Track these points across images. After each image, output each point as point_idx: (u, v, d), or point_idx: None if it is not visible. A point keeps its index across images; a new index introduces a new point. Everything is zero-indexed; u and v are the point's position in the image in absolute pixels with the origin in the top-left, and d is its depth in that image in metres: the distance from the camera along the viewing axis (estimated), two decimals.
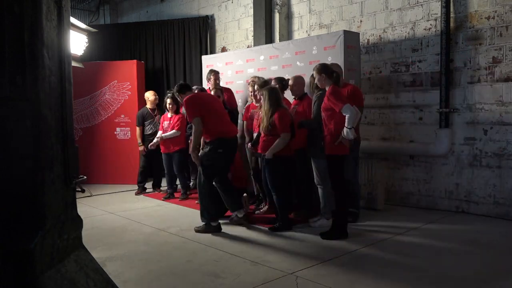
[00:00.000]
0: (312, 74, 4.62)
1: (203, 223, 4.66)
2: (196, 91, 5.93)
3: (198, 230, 4.63)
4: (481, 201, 5.18)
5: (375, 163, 6.06)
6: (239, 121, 6.14)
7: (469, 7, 5.20)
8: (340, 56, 5.25)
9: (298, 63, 5.74)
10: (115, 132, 8.04)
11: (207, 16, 8.56)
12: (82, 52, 6.70)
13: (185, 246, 4.15)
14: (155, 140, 6.58)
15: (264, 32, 7.27)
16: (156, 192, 7.02)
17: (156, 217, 5.36)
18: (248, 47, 7.68)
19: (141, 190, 6.94)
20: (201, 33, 8.53)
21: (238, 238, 4.38)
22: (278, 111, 4.59)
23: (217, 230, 4.62)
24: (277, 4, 7.16)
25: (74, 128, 2.29)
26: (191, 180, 7.08)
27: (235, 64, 6.63)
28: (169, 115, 6.63)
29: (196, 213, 5.50)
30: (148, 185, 7.15)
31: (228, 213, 4.95)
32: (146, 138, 6.97)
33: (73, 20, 5.67)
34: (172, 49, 8.84)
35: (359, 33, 5.70)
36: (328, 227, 4.44)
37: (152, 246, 4.16)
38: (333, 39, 5.36)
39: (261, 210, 5.39)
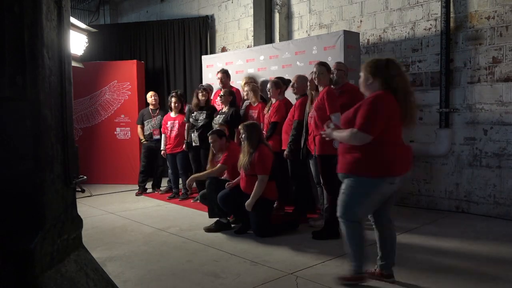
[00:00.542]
0: (312, 72, 4.62)
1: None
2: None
3: (209, 229, 4.61)
4: (481, 201, 5.18)
5: None
6: None
7: (469, 7, 5.20)
8: (340, 56, 5.25)
9: (298, 63, 5.74)
10: (115, 132, 8.04)
11: (207, 16, 8.56)
12: (82, 52, 6.69)
13: (185, 246, 4.15)
14: (162, 153, 6.69)
15: (264, 32, 7.27)
16: (156, 192, 7.01)
17: (156, 217, 5.36)
18: (248, 47, 7.68)
19: (142, 191, 6.94)
20: (201, 33, 8.53)
21: (238, 238, 4.38)
22: (259, 150, 4.41)
23: (227, 228, 4.61)
24: (277, 4, 7.16)
25: (74, 128, 2.28)
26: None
27: (235, 64, 6.63)
28: (172, 114, 6.62)
29: (196, 213, 5.51)
30: (148, 185, 7.15)
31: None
32: (145, 138, 6.97)
33: (73, 20, 5.66)
34: (172, 49, 8.84)
35: (359, 33, 5.70)
36: None
37: (152, 246, 4.16)
38: (333, 39, 5.36)
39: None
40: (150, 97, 7.10)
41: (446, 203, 5.47)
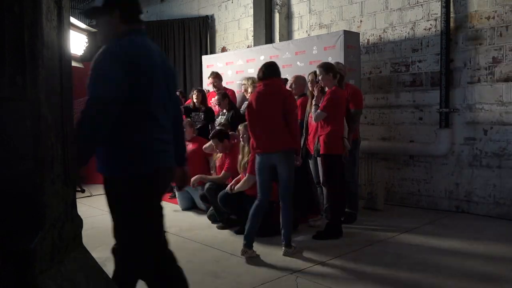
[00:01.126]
0: (313, 72, 4.61)
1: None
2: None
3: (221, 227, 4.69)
4: (481, 201, 5.18)
5: (375, 163, 6.07)
6: None
7: (469, 7, 5.20)
8: (340, 56, 5.26)
9: (298, 63, 5.74)
10: None
11: (207, 16, 8.56)
12: (82, 52, 6.70)
13: (185, 246, 4.15)
14: None
15: (264, 32, 7.27)
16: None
17: None
18: (248, 47, 7.68)
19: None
20: (201, 33, 8.53)
21: (238, 238, 4.38)
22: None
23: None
24: (277, 4, 7.17)
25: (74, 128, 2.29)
26: None
27: (236, 64, 6.64)
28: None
29: (196, 213, 5.50)
30: None
31: None
32: None
33: (73, 20, 5.67)
34: (172, 49, 8.84)
35: (359, 33, 5.71)
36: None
37: None
38: (333, 39, 5.37)
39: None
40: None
41: (446, 203, 5.47)
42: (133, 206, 2.05)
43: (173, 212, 5.67)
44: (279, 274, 3.35)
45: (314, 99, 4.46)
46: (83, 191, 6.97)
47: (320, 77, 4.33)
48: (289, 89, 5.09)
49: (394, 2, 5.88)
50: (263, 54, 6.30)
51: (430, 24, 5.55)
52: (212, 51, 8.47)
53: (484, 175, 5.16)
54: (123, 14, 2.11)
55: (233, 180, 4.70)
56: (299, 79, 5.09)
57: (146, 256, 2.14)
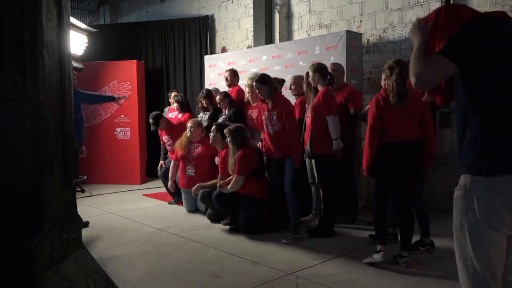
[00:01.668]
0: (307, 72, 4.64)
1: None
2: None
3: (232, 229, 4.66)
4: None
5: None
6: None
7: None
8: (342, 56, 5.26)
9: (300, 63, 5.74)
10: (115, 132, 8.04)
11: (207, 16, 8.56)
12: (82, 52, 6.69)
13: (185, 246, 4.15)
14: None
15: (264, 32, 7.27)
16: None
17: (156, 217, 5.36)
18: (248, 47, 7.68)
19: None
20: (201, 33, 8.53)
21: (238, 238, 4.38)
22: (242, 150, 4.52)
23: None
24: (277, 4, 7.16)
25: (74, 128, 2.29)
26: None
27: (238, 64, 6.63)
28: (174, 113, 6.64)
29: (196, 213, 5.50)
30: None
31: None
32: None
33: (73, 20, 5.64)
34: (172, 49, 8.84)
35: (361, 34, 5.71)
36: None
37: (152, 246, 4.16)
38: (335, 39, 5.37)
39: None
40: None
41: (446, 203, 5.47)
42: None
43: (173, 212, 5.68)
44: (279, 274, 3.35)
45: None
46: (83, 191, 6.97)
47: (310, 77, 4.37)
48: (289, 89, 5.11)
49: (394, 2, 5.88)
50: (265, 54, 6.30)
51: None
52: (212, 51, 8.47)
53: None
54: None
55: (225, 181, 4.75)
56: (298, 79, 5.09)
57: None
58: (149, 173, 8.00)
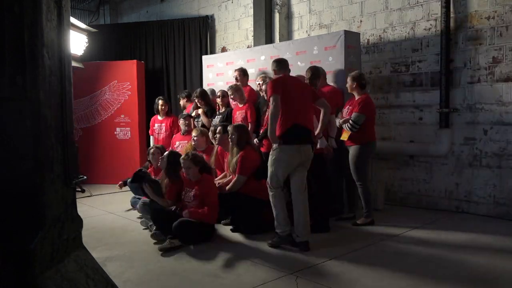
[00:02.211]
0: (308, 69, 4.83)
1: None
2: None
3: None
4: (481, 201, 5.18)
5: (375, 163, 6.07)
6: None
7: (469, 7, 5.20)
8: (341, 56, 5.25)
9: (299, 63, 5.74)
10: (115, 132, 8.04)
11: (207, 16, 8.56)
12: (82, 52, 6.69)
13: (185, 245, 4.15)
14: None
15: (264, 32, 7.27)
16: None
17: None
18: (248, 47, 7.68)
19: None
20: (201, 33, 8.53)
21: (238, 238, 4.38)
22: (244, 150, 4.52)
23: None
24: (277, 4, 7.16)
25: (74, 128, 2.29)
26: None
27: (236, 64, 6.62)
28: (159, 117, 6.69)
29: None
30: None
31: None
32: None
33: (73, 20, 5.65)
34: (172, 49, 8.84)
35: (359, 33, 5.70)
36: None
37: (152, 246, 4.16)
38: (333, 39, 5.36)
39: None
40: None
41: (446, 203, 5.47)
42: None
43: None
44: (279, 274, 3.35)
45: None
46: (83, 191, 6.99)
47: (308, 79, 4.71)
48: None
49: (394, 2, 5.88)
50: (264, 54, 6.30)
51: (430, 24, 5.55)
52: (212, 51, 8.47)
53: (484, 175, 5.16)
54: None
55: (224, 181, 4.74)
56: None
57: None
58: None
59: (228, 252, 3.92)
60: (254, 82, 5.99)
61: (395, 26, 5.87)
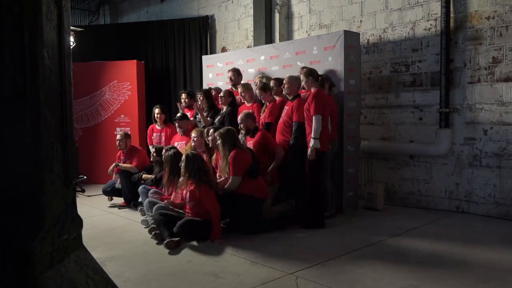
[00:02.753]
0: (304, 69, 4.91)
1: None
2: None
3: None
4: (481, 201, 5.18)
5: (375, 163, 6.07)
6: None
7: (469, 7, 5.20)
8: (341, 56, 5.25)
9: (298, 63, 5.74)
10: (115, 132, 8.03)
11: (207, 16, 8.56)
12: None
13: (185, 245, 4.15)
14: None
15: (264, 32, 7.27)
16: None
17: None
18: (248, 47, 7.68)
19: None
20: (201, 33, 8.53)
21: (238, 238, 4.38)
22: (234, 152, 4.56)
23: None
24: (277, 4, 7.16)
25: (74, 128, 2.29)
26: None
27: (236, 64, 6.62)
28: (158, 126, 6.57)
29: None
30: None
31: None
32: None
33: None
34: (172, 49, 8.84)
35: (359, 33, 5.70)
36: None
37: (152, 246, 4.16)
38: (333, 39, 5.36)
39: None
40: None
41: (446, 203, 5.48)
42: None
43: None
44: (279, 274, 3.35)
45: None
46: (83, 191, 6.98)
47: (303, 80, 4.84)
48: (283, 89, 5.14)
49: (394, 2, 5.88)
50: (263, 54, 6.30)
51: (430, 24, 5.55)
52: (212, 51, 8.47)
53: (484, 175, 5.16)
54: None
55: (220, 181, 4.75)
56: (292, 80, 5.09)
57: None
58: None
59: (228, 252, 3.92)
60: (253, 82, 6.01)
61: (395, 26, 5.87)
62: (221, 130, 4.73)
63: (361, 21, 6.23)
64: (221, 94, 5.96)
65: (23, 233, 1.74)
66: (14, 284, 1.69)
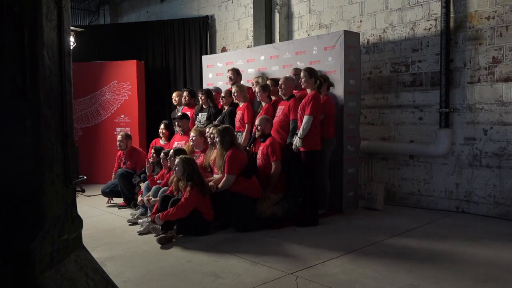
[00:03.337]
0: (304, 69, 4.90)
1: None
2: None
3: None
4: (481, 201, 5.18)
5: (375, 163, 6.07)
6: None
7: (469, 7, 5.20)
8: (340, 56, 5.26)
9: (298, 63, 5.74)
10: (115, 132, 8.03)
11: (207, 16, 8.56)
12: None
13: (184, 246, 4.15)
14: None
15: (264, 32, 7.27)
16: None
17: None
18: (248, 47, 7.68)
19: None
20: (201, 33, 8.53)
21: (238, 238, 4.38)
22: (231, 150, 4.62)
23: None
24: (277, 4, 7.16)
25: (74, 128, 2.29)
26: None
27: (236, 64, 6.62)
28: (162, 142, 6.43)
29: None
30: None
31: None
32: None
33: None
34: (172, 49, 8.84)
35: (359, 33, 5.70)
36: None
37: (152, 246, 4.16)
38: (333, 39, 5.36)
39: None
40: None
41: (446, 203, 5.47)
42: None
43: None
44: (279, 274, 3.35)
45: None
46: (83, 191, 6.98)
47: (303, 79, 4.85)
48: (279, 89, 5.15)
49: (394, 2, 5.88)
50: (263, 54, 6.30)
51: (430, 24, 5.55)
52: (212, 51, 8.47)
53: (484, 175, 5.16)
54: None
55: (215, 180, 4.78)
56: (288, 80, 5.12)
57: None
58: None
59: (228, 252, 3.92)
60: (250, 83, 6.03)
61: (395, 26, 5.87)
62: (220, 127, 4.79)
63: (361, 21, 6.23)
64: (222, 94, 5.98)
65: (23, 233, 1.74)
66: (14, 284, 1.69)
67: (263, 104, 5.51)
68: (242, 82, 6.18)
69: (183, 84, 8.60)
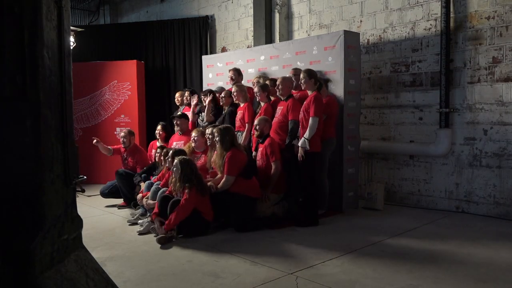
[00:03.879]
0: (304, 71, 4.92)
1: None
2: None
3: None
4: (481, 201, 5.18)
5: (375, 163, 6.07)
6: None
7: (469, 7, 5.20)
8: (340, 56, 5.26)
9: (298, 63, 5.74)
10: (115, 132, 8.03)
11: (207, 16, 8.56)
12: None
13: (185, 245, 4.15)
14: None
15: (264, 32, 7.27)
16: None
17: None
18: (248, 47, 7.68)
19: None
20: (201, 33, 8.53)
21: (238, 238, 4.38)
22: (231, 151, 4.63)
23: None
24: (277, 4, 7.16)
25: (74, 128, 2.29)
26: None
27: (236, 64, 6.62)
28: (158, 143, 6.37)
29: None
30: None
31: None
32: None
33: None
34: (172, 49, 8.84)
35: (359, 33, 5.70)
36: None
37: (152, 246, 4.16)
38: (333, 39, 5.36)
39: None
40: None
41: (446, 203, 5.47)
42: None
43: None
44: (279, 274, 3.35)
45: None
46: (83, 191, 6.98)
47: (303, 80, 4.86)
48: (277, 90, 5.16)
49: (394, 2, 5.88)
50: (263, 54, 6.30)
51: (430, 24, 5.55)
52: (212, 51, 8.47)
53: (484, 175, 5.16)
54: None
55: (215, 179, 4.79)
56: (285, 80, 5.13)
57: None
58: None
59: (228, 252, 3.92)
60: (251, 82, 6.03)
61: (395, 26, 5.87)
62: (220, 127, 4.80)
63: (361, 21, 6.23)
64: (222, 94, 5.97)
65: (23, 233, 1.74)
66: (14, 284, 1.69)
67: (262, 104, 5.51)
68: (242, 82, 6.18)
69: (183, 84, 8.60)
